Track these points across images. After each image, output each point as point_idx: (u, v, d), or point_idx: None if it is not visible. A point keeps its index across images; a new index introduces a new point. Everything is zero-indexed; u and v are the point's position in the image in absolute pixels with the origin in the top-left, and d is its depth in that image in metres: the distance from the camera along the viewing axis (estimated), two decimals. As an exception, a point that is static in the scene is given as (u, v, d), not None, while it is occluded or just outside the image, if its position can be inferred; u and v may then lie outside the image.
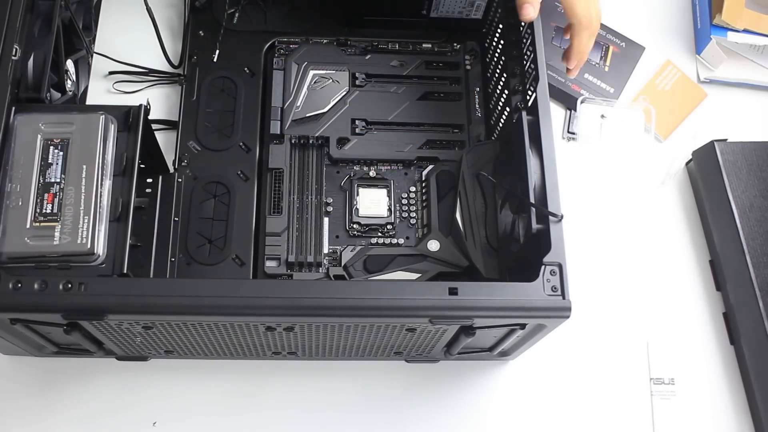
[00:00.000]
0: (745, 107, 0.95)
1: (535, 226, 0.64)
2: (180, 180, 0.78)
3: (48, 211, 0.62)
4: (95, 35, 0.86)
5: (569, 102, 0.92)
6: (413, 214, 0.79)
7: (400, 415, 0.77)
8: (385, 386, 0.78)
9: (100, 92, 0.85)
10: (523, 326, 0.63)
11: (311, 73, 0.83)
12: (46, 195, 0.63)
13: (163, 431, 0.75)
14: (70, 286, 0.56)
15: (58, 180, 0.63)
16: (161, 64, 0.87)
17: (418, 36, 0.87)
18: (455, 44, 0.87)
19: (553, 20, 0.95)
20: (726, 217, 0.83)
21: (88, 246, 0.62)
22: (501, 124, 0.79)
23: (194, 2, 0.87)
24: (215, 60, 0.85)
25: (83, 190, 0.63)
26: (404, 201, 0.80)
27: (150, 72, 0.87)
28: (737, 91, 0.96)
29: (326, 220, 0.78)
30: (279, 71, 0.83)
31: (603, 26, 0.96)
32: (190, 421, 0.75)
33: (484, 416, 0.78)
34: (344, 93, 0.83)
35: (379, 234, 0.78)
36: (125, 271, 0.63)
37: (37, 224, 0.62)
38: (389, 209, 0.79)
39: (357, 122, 0.81)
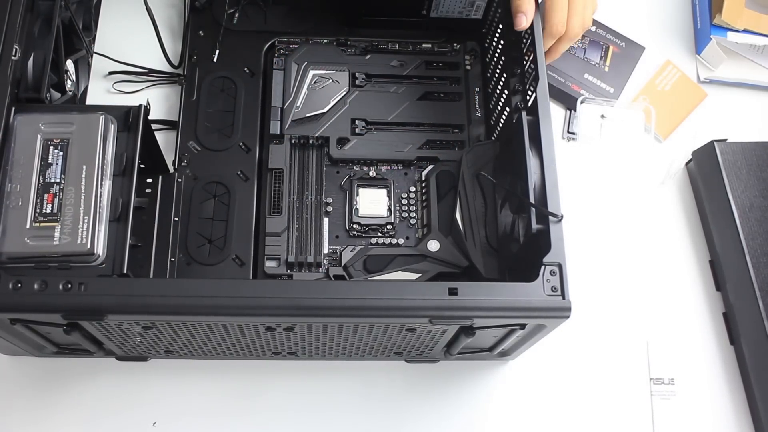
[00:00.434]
0: (745, 107, 0.95)
1: (535, 226, 0.64)
2: (180, 180, 0.78)
3: (48, 211, 0.62)
4: (95, 35, 0.86)
5: (569, 102, 0.92)
6: (413, 214, 0.79)
7: (400, 415, 0.77)
8: (385, 386, 0.78)
9: (100, 92, 0.85)
10: (523, 326, 0.63)
11: (311, 73, 0.83)
12: (46, 195, 0.63)
13: (163, 431, 0.75)
14: (70, 286, 0.56)
15: (58, 180, 0.63)
16: (161, 64, 0.87)
17: (418, 36, 0.87)
18: (455, 44, 0.87)
19: (553, 20, 0.95)
20: (726, 217, 0.83)
21: (88, 246, 0.62)
22: (501, 124, 0.79)
23: (194, 2, 0.87)
24: (215, 60, 0.85)
25: (83, 190, 0.63)
26: (404, 201, 0.80)
27: (150, 72, 0.87)
28: (737, 91, 0.96)
29: (326, 220, 0.78)
30: (279, 71, 0.83)
31: (603, 26, 0.96)
32: (190, 421, 0.75)
33: (484, 416, 0.78)
34: (344, 93, 0.83)
35: (379, 234, 0.78)
36: (125, 271, 0.63)
37: (37, 224, 0.62)
38: (389, 209, 0.79)
39: (357, 122, 0.81)
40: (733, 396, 0.81)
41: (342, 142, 0.81)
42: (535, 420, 0.78)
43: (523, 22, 0.71)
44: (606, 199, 0.88)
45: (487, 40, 0.85)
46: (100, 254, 0.63)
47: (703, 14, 0.97)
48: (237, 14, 0.87)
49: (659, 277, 0.85)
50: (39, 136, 0.64)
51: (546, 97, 0.68)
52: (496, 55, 0.82)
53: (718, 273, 0.85)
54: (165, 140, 0.82)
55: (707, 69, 0.96)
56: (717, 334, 0.83)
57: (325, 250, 0.77)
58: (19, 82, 0.66)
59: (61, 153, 0.64)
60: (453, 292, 0.59)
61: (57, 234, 0.62)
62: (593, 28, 0.95)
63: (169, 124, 0.84)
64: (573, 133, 0.91)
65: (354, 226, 0.78)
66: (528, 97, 0.70)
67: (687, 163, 0.91)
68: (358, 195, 0.79)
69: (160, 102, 0.86)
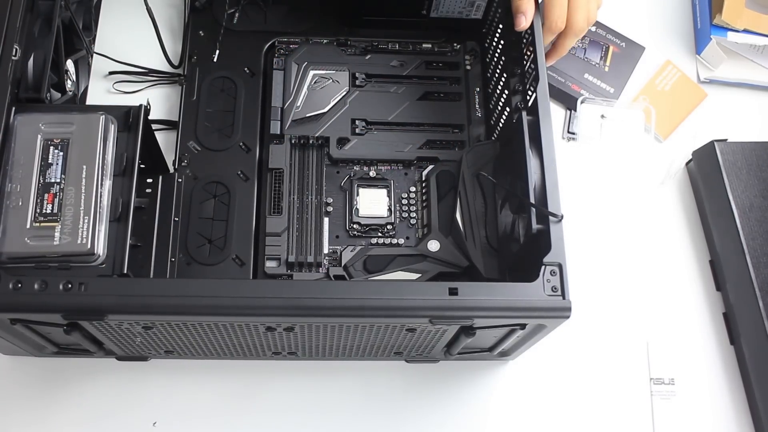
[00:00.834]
0: (745, 107, 0.95)
1: (535, 226, 0.64)
2: (180, 180, 0.78)
3: (48, 211, 0.62)
4: (95, 35, 0.86)
5: (569, 102, 0.92)
6: (413, 214, 0.79)
7: (400, 415, 0.77)
8: (385, 386, 0.78)
9: (100, 92, 0.85)
10: (523, 326, 0.63)
11: (311, 73, 0.83)
12: (46, 195, 0.63)
13: (163, 431, 0.75)
14: (70, 286, 0.56)
15: (58, 180, 0.63)
16: (161, 64, 0.87)
17: (418, 36, 0.87)
18: (455, 44, 0.87)
19: (553, 20, 0.95)
20: (726, 217, 0.83)
21: (88, 246, 0.62)
22: (501, 124, 0.79)
23: (194, 2, 0.87)
24: (215, 60, 0.85)
25: (83, 190, 0.63)
26: (404, 201, 0.80)
27: (150, 72, 0.87)
28: (737, 91, 0.96)
29: (326, 220, 0.78)
30: (279, 71, 0.83)
31: (603, 26, 0.96)
32: (190, 421, 0.75)
33: (484, 416, 0.78)
34: (344, 93, 0.83)
35: (379, 234, 0.78)
36: (125, 271, 0.63)
37: (37, 224, 0.62)
38: (389, 209, 0.79)
39: (357, 122, 0.81)
40: (733, 396, 0.81)
41: (342, 142, 0.81)
42: (535, 420, 0.78)
43: (522, 23, 0.71)
44: (606, 199, 0.88)
45: (487, 40, 0.85)
46: (101, 254, 0.63)
47: (703, 14, 0.97)
48: (237, 14, 0.87)
49: (659, 277, 0.85)
50: (39, 136, 0.64)
51: (546, 97, 0.68)
52: (496, 55, 0.82)
53: (718, 273, 0.85)
54: (165, 140, 0.82)
55: (707, 69, 0.96)
56: (717, 334, 0.83)
57: (326, 250, 0.77)
58: (19, 82, 0.66)
59: (61, 153, 0.64)
60: (453, 292, 0.59)
61: (57, 234, 0.62)
62: (593, 28, 0.95)
63: (169, 124, 0.84)
64: (573, 133, 0.91)
65: (354, 226, 0.78)
66: (528, 97, 0.70)
67: (687, 163, 0.91)
68: (358, 195, 0.79)
69: (160, 102, 0.86)
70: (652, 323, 0.83)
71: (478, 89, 0.85)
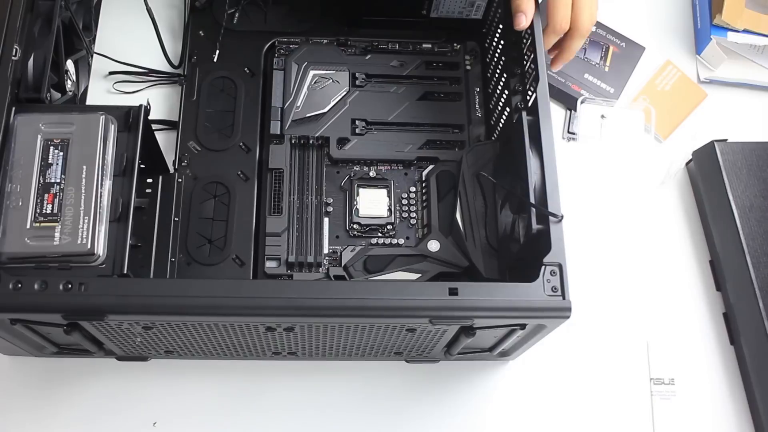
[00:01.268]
0: (745, 107, 0.95)
1: (535, 226, 0.64)
2: (180, 180, 0.78)
3: (48, 211, 0.62)
4: (95, 35, 0.86)
5: (569, 102, 0.92)
6: (413, 215, 0.79)
7: (400, 415, 0.77)
8: (385, 386, 0.78)
9: (100, 92, 0.85)
10: (523, 326, 0.63)
11: (311, 73, 0.83)
12: (46, 195, 0.63)
13: (163, 431, 0.75)
14: (70, 286, 0.56)
15: (58, 180, 0.63)
16: (161, 64, 0.87)
17: (418, 36, 0.87)
18: (455, 44, 0.87)
19: (553, 20, 0.95)
20: (726, 217, 0.83)
21: (88, 246, 0.62)
22: (501, 125, 0.79)
23: (194, 2, 0.87)
24: (215, 60, 0.85)
25: (83, 191, 0.63)
26: (404, 201, 0.80)
27: (150, 72, 0.87)
28: (737, 91, 0.96)
29: (326, 220, 0.78)
30: (279, 71, 0.83)
31: (603, 26, 0.96)
32: (190, 421, 0.75)
33: (484, 416, 0.78)
34: (344, 93, 0.83)
35: (379, 234, 0.78)
36: (125, 272, 0.63)
37: (37, 224, 0.62)
38: (389, 209, 0.79)
39: (357, 122, 0.81)
40: (733, 396, 0.81)
41: (342, 142, 0.81)
42: (535, 420, 0.78)
43: (522, 22, 0.71)
44: (606, 199, 0.88)
45: (487, 40, 0.85)
46: (101, 254, 0.63)
47: (703, 14, 0.97)
48: (237, 14, 0.87)
49: (659, 277, 0.85)
50: (39, 136, 0.64)
51: (546, 97, 0.68)
52: (496, 55, 0.82)
53: (718, 273, 0.85)
54: (165, 140, 0.82)
55: (707, 69, 0.96)
56: (717, 334, 0.83)
57: (326, 250, 0.77)
58: (19, 82, 0.66)
59: (61, 153, 0.64)
60: (453, 292, 0.59)
61: (57, 234, 0.62)
62: (593, 28, 0.95)
63: (169, 124, 0.84)
64: (573, 133, 0.91)
65: (354, 226, 0.78)
66: (528, 97, 0.70)
67: (687, 163, 0.91)
68: (358, 195, 0.79)
69: (160, 102, 0.86)
70: (652, 323, 0.83)
71: (478, 89, 0.85)
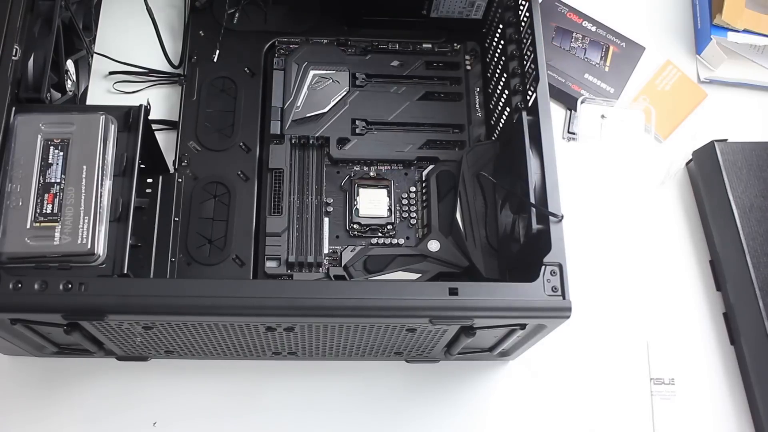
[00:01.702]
0: (745, 107, 0.95)
1: (535, 226, 0.64)
2: (180, 180, 0.78)
3: (48, 211, 0.62)
4: (95, 35, 0.86)
5: (569, 102, 0.92)
6: (413, 214, 0.79)
7: (400, 415, 0.77)
8: (385, 386, 0.78)
9: (100, 92, 0.85)
10: (523, 326, 0.63)
11: (311, 73, 0.83)
12: (46, 195, 0.63)
13: (163, 431, 0.75)
14: (70, 286, 0.56)
15: (58, 180, 0.63)
16: (161, 64, 0.87)
17: (418, 36, 0.87)
18: (455, 44, 0.87)
19: (553, 20, 0.95)
20: (726, 217, 0.83)
21: (88, 246, 0.62)
22: (501, 124, 0.79)
23: (194, 2, 0.87)
24: (215, 60, 0.85)
25: (83, 191, 0.63)
26: (404, 201, 0.80)
27: (150, 72, 0.87)
28: (737, 91, 0.96)
29: (326, 220, 0.78)
30: (279, 71, 0.83)
31: (603, 26, 0.96)
32: (190, 421, 0.75)
33: (484, 416, 0.78)
34: (344, 93, 0.83)
35: (379, 234, 0.78)
36: (125, 272, 0.63)
37: (38, 224, 0.62)
38: (389, 209, 0.79)
39: (357, 122, 0.81)
40: (733, 396, 0.81)
41: (342, 142, 0.81)
42: (535, 420, 0.78)
43: None
44: (606, 199, 0.88)
45: (487, 40, 0.85)
46: (101, 254, 0.63)
47: (703, 14, 0.97)
48: (237, 14, 0.87)
49: (659, 277, 0.85)
50: (39, 136, 0.64)
51: (546, 97, 0.68)
52: (496, 55, 0.82)
53: (718, 273, 0.85)
54: (165, 140, 0.82)
55: (707, 69, 0.96)
56: (717, 334, 0.83)
57: (326, 250, 0.77)
58: (19, 82, 0.66)
59: (61, 153, 0.64)
60: (453, 292, 0.59)
61: (57, 234, 0.62)
62: (593, 28, 0.95)
63: (169, 124, 0.84)
64: (573, 133, 0.91)
65: (354, 226, 0.78)
66: (528, 97, 0.70)
67: (687, 163, 0.91)
68: (358, 195, 0.79)
69: (160, 102, 0.86)
70: (652, 323, 0.83)
71: (478, 89, 0.85)
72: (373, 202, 0.79)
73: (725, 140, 0.86)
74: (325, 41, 0.86)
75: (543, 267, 0.60)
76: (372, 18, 0.87)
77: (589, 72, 0.93)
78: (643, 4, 1.00)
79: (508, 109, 0.76)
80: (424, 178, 0.80)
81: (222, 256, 0.76)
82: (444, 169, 0.80)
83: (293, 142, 0.80)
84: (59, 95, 0.73)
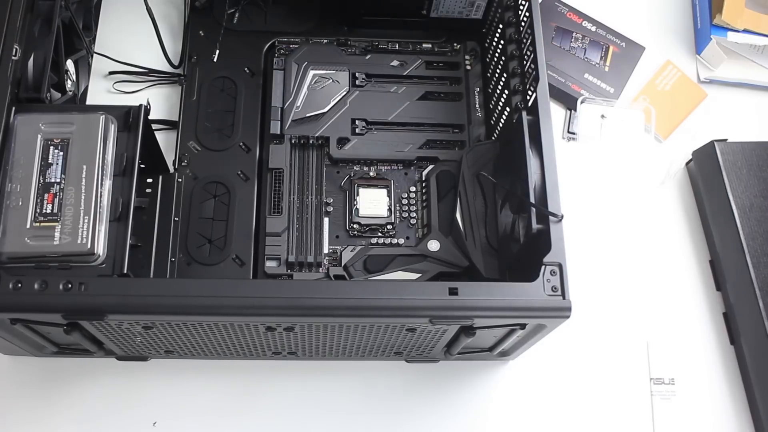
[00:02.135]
0: (745, 107, 0.95)
1: (535, 226, 0.64)
2: (180, 180, 0.78)
3: (48, 211, 0.62)
4: (95, 35, 0.86)
5: (569, 102, 0.92)
6: (413, 214, 0.79)
7: (400, 415, 0.77)
8: (385, 386, 0.78)
9: (100, 92, 0.85)
10: (523, 326, 0.63)
11: (311, 73, 0.83)
12: (46, 195, 0.63)
13: (163, 431, 0.75)
14: (70, 286, 0.56)
15: (58, 180, 0.63)
16: (161, 64, 0.87)
17: (418, 36, 0.87)
18: (455, 44, 0.87)
19: (553, 20, 0.95)
20: (726, 217, 0.83)
21: (88, 246, 0.62)
22: (501, 124, 0.79)
23: (194, 2, 0.87)
24: (215, 60, 0.85)
25: (83, 190, 0.63)
26: (404, 201, 0.80)
27: (150, 72, 0.87)
28: (737, 91, 0.96)
29: (326, 220, 0.78)
30: (279, 71, 0.83)
31: (603, 26, 0.96)
32: (190, 421, 0.75)
33: (484, 416, 0.78)
34: (344, 93, 0.83)
35: (379, 234, 0.78)
36: (125, 271, 0.63)
37: (37, 224, 0.62)
38: (389, 209, 0.79)
39: (357, 122, 0.81)
40: (733, 396, 0.81)
41: (342, 142, 0.81)
42: (535, 420, 0.78)
43: None
44: (606, 199, 0.88)
45: (487, 40, 0.85)
46: (101, 254, 0.63)
47: (703, 14, 0.97)
48: (237, 14, 0.87)
49: (659, 277, 0.85)
50: (39, 136, 0.64)
51: (546, 97, 0.68)
52: (496, 55, 0.82)
53: (718, 273, 0.85)
54: (165, 140, 0.82)
55: (707, 69, 0.96)
56: (717, 334, 0.83)
57: (326, 250, 0.77)
58: (19, 82, 0.66)
59: (61, 153, 0.64)
60: (453, 292, 0.59)
61: (57, 234, 0.62)
62: (593, 28, 0.95)
63: (169, 124, 0.84)
64: (573, 133, 0.91)
65: (354, 226, 0.78)
66: (528, 97, 0.70)
67: (687, 163, 0.91)
68: (358, 195, 0.79)
69: (160, 102, 0.86)
70: (652, 323, 0.83)
71: (478, 89, 0.85)
72: (373, 202, 0.79)
73: (725, 140, 0.86)
74: (325, 41, 0.86)
75: (543, 267, 0.60)
76: (372, 18, 0.87)
77: (589, 72, 0.93)
78: (643, 4, 1.00)
79: (508, 109, 0.76)
80: (424, 178, 0.80)
81: (222, 256, 0.76)
82: (444, 169, 0.80)
83: (293, 142, 0.80)
84: (59, 95, 0.73)
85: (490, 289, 0.60)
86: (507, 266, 0.72)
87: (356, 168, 0.81)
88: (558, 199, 0.63)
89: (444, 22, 0.87)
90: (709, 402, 0.81)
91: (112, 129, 0.67)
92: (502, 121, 0.78)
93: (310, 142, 0.81)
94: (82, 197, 0.63)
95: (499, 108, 0.79)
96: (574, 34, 0.95)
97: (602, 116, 0.91)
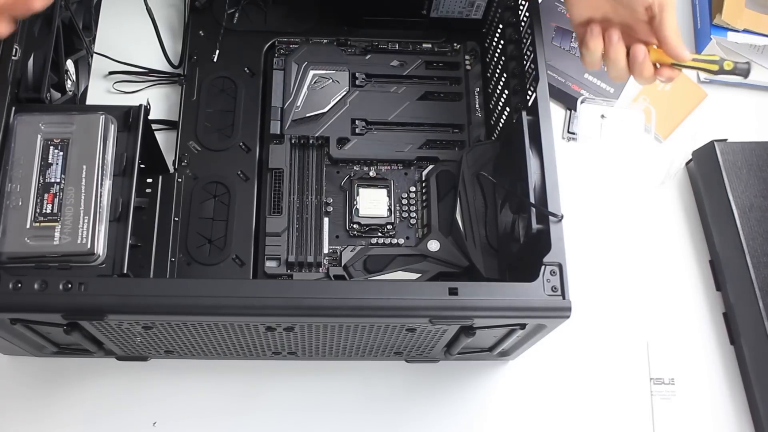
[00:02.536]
0: (745, 107, 0.95)
1: (535, 226, 0.64)
2: (180, 180, 0.78)
3: (48, 211, 0.62)
4: (95, 35, 0.86)
5: (569, 102, 0.92)
6: (413, 214, 0.79)
7: (400, 415, 0.77)
8: (385, 386, 0.78)
9: (100, 92, 0.85)
10: (523, 326, 0.63)
11: (311, 73, 0.83)
12: (46, 195, 0.63)
13: (163, 431, 0.75)
14: (70, 286, 0.56)
15: (58, 180, 0.63)
16: (161, 64, 0.87)
17: (418, 36, 0.87)
18: (455, 44, 0.87)
19: (553, 20, 0.95)
20: (726, 217, 0.83)
21: (88, 246, 0.62)
22: (501, 124, 0.79)
23: (194, 2, 0.87)
24: (215, 60, 0.85)
25: (83, 190, 0.63)
26: (404, 201, 0.80)
27: (150, 72, 0.87)
28: (737, 91, 0.96)
29: (326, 220, 0.78)
30: (279, 71, 0.83)
31: (603, 26, 0.96)
32: (190, 421, 0.75)
33: (484, 416, 0.78)
34: (344, 93, 0.83)
35: (379, 234, 0.78)
36: (125, 271, 0.63)
37: (37, 224, 0.62)
38: (389, 209, 0.79)
39: (357, 122, 0.81)
40: (733, 396, 0.81)
41: (342, 142, 0.81)
42: (535, 420, 0.78)
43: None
44: (606, 199, 0.88)
45: (487, 40, 0.85)
46: (100, 254, 0.63)
47: (703, 14, 0.97)
48: (237, 14, 0.87)
49: (659, 277, 0.85)
50: (39, 136, 0.64)
51: (546, 97, 0.68)
52: (496, 55, 0.82)
53: (718, 273, 0.85)
54: (165, 140, 0.82)
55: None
56: (717, 334, 0.83)
57: (326, 250, 0.77)
58: (19, 82, 0.66)
59: (61, 153, 0.64)
60: (453, 292, 0.59)
61: (57, 234, 0.62)
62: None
63: (169, 124, 0.84)
64: (573, 133, 0.91)
65: (354, 226, 0.78)
66: (528, 97, 0.70)
67: (687, 163, 0.91)
68: (358, 195, 0.79)
69: (160, 102, 0.86)
70: (652, 323, 0.83)
71: (478, 89, 0.85)
72: (373, 202, 0.79)
73: (725, 140, 0.86)
74: (325, 41, 0.86)
75: (543, 267, 0.60)
76: (372, 18, 0.86)
77: (588, 72, 0.93)
78: (643, 4, 1.00)
79: (507, 109, 0.76)
80: (423, 178, 0.80)
81: (222, 256, 0.75)
82: (444, 169, 0.80)
83: (293, 141, 0.80)
84: (59, 95, 0.73)
85: (490, 289, 0.60)
86: (507, 266, 0.72)
87: (356, 168, 0.81)
88: (558, 199, 0.63)
89: (444, 22, 0.87)
90: (709, 402, 0.81)
91: (112, 129, 0.67)
92: (502, 121, 0.78)
93: (310, 142, 0.81)
94: (82, 197, 0.63)
95: (499, 108, 0.79)
96: (574, 34, 0.95)
97: (602, 116, 0.91)
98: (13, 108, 0.64)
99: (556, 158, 0.65)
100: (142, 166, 0.69)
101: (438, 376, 0.79)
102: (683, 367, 0.82)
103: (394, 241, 0.78)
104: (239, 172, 0.79)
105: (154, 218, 0.76)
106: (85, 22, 0.82)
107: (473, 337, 0.64)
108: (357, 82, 0.83)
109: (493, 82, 0.83)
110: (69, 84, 0.75)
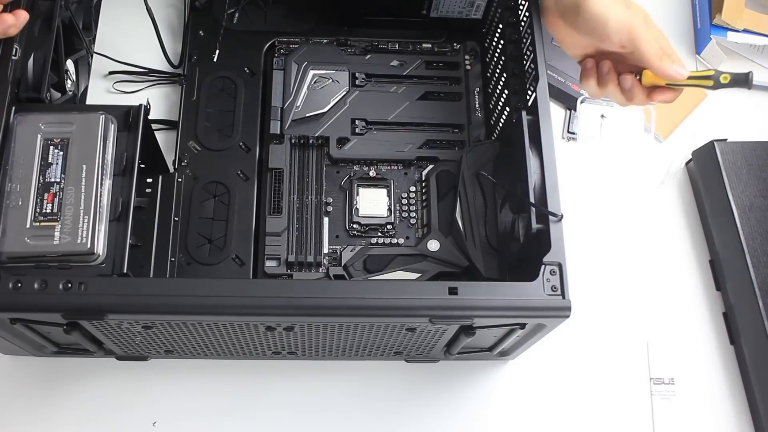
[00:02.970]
0: (745, 107, 0.95)
1: (535, 225, 0.64)
2: (180, 180, 0.78)
3: (48, 210, 0.62)
4: (95, 35, 0.86)
5: (569, 102, 0.92)
6: (413, 214, 0.79)
7: (400, 415, 0.77)
8: (385, 386, 0.78)
9: (100, 92, 0.85)
10: (523, 326, 0.63)
11: (311, 73, 0.83)
12: (46, 195, 0.63)
13: (163, 431, 0.75)
14: (70, 285, 0.56)
15: (58, 180, 0.63)
16: (161, 64, 0.87)
17: (418, 36, 0.87)
18: (455, 44, 0.87)
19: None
20: (726, 217, 0.83)
21: (88, 246, 0.62)
22: (501, 124, 0.79)
23: (194, 2, 0.87)
24: (215, 60, 0.85)
25: (83, 190, 0.63)
26: (404, 201, 0.80)
27: (150, 72, 0.87)
28: (737, 91, 0.96)
29: (326, 220, 0.78)
30: (279, 71, 0.83)
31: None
32: (190, 421, 0.75)
33: (484, 416, 0.78)
34: (344, 93, 0.83)
35: (379, 234, 0.78)
36: (125, 271, 0.63)
37: (37, 224, 0.62)
38: (389, 209, 0.79)
39: (357, 122, 0.82)
40: (733, 396, 0.81)
41: (342, 141, 0.81)
42: (535, 420, 0.78)
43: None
44: (606, 199, 0.88)
45: (487, 40, 0.85)
46: (100, 254, 0.63)
47: (703, 14, 0.97)
48: (237, 14, 0.87)
49: (659, 277, 0.85)
50: (39, 136, 0.64)
51: (546, 97, 0.68)
52: (496, 55, 0.82)
53: (718, 273, 0.85)
54: (165, 140, 0.82)
55: (707, 69, 0.96)
56: (717, 334, 0.83)
57: (325, 250, 0.77)
58: (19, 82, 0.66)
59: (61, 153, 0.64)
60: (453, 291, 0.59)
61: (57, 234, 0.62)
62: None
63: (169, 124, 0.84)
64: (573, 133, 0.91)
65: (354, 225, 0.78)
66: (528, 97, 0.70)
67: (687, 163, 0.91)
68: (358, 195, 0.79)
69: (160, 102, 0.86)
70: (652, 323, 0.83)
71: (478, 89, 0.85)
72: (372, 202, 0.79)
73: (725, 140, 0.86)
74: (325, 41, 0.86)
75: (543, 266, 0.60)
76: (372, 18, 0.87)
77: (589, 72, 0.93)
78: (643, 4, 1.00)
79: (507, 109, 0.76)
80: (423, 178, 0.80)
81: (222, 256, 0.76)
82: (444, 169, 0.80)
83: (293, 141, 0.80)
84: (59, 95, 0.73)
85: (489, 289, 0.60)
86: (507, 266, 0.72)
87: (356, 168, 0.81)
88: (558, 198, 0.63)
89: (444, 22, 0.87)
90: (709, 402, 0.81)
91: (112, 129, 0.67)
92: (502, 121, 0.78)
93: (310, 142, 0.81)
94: (82, 197, 0.63)
95: (499, 108, 0.79)
96: (574, 34, 0.95)
97: (602, 116, 0.91)
98: (13, 108, 0.64)
99: (556, 158, 0.65)
100: (142, 165, 0.69)
101: (438, 375, 0.79)
102: (683, 367, 0.82)
103: (394, 240, 0.78)
104: (239, 172, 0.79)
105: (154, 218, 0.76)
106: (85, 22, 0.82)
107: (473, 337, 0.64)
108: (357, 82, 0.83)
109: (493, 82, 0.83)
110: (69, 84, 0.75)
